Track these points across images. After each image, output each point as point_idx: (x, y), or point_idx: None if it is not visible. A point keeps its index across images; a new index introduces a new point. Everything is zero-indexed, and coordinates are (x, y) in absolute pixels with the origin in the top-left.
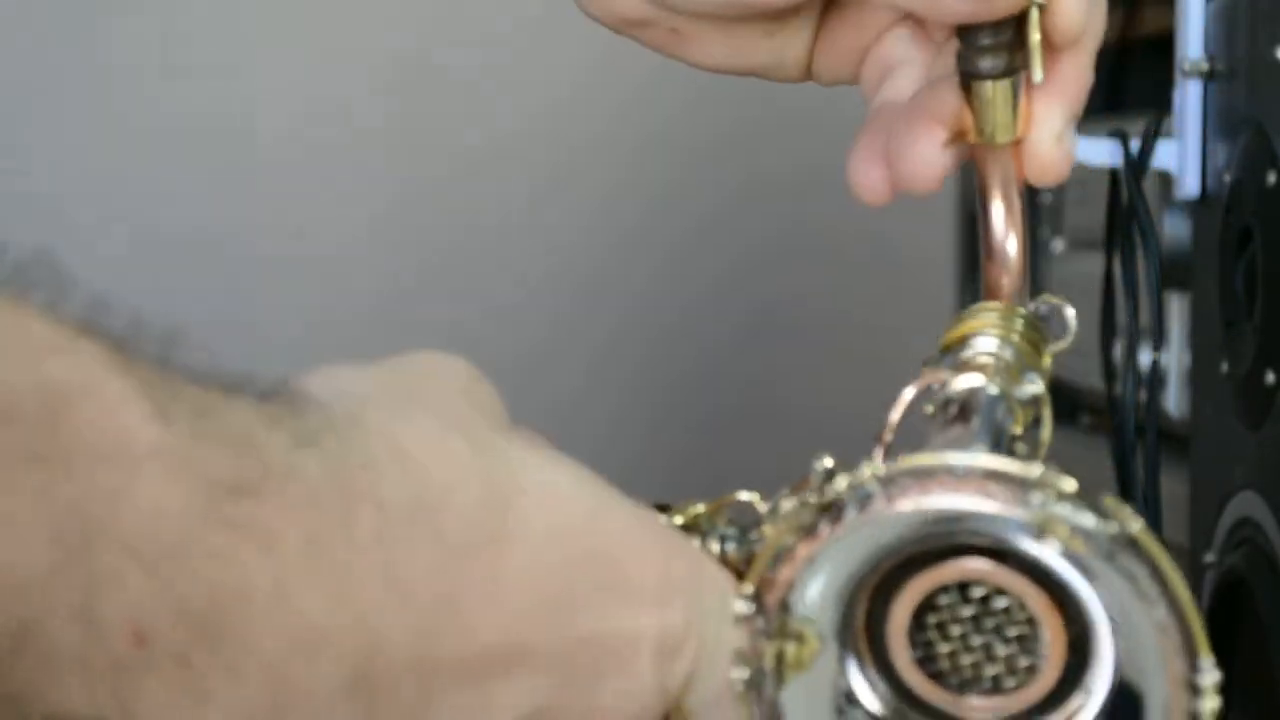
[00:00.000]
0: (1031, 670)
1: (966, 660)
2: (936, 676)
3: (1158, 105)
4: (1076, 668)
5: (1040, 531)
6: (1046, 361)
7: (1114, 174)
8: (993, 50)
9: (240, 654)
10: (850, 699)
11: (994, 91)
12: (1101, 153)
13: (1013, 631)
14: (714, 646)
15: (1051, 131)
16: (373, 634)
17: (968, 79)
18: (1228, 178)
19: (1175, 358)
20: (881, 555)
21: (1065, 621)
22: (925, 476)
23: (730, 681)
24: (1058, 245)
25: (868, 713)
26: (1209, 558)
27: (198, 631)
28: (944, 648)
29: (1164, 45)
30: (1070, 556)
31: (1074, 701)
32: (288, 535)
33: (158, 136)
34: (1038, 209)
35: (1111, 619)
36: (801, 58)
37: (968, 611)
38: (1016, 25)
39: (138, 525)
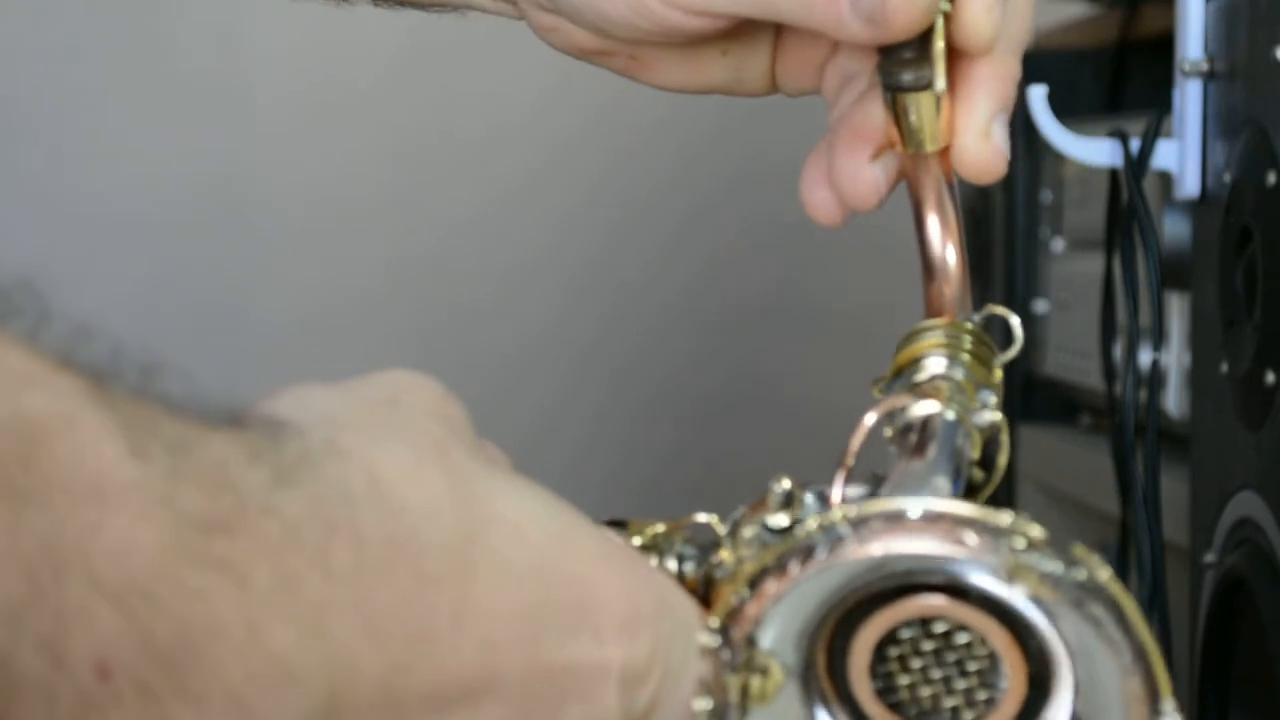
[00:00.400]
0: (990, 703)
1: (926, 692)
2: (896, 708)
3: (1158, 105)
4: (1035, 702)
5: (1010, 577)
6: (997, 376)
7: (1114, 174)
8: (909, 63)
9: (206, 688)
10: None
11: (915, 102)
12: (1101, 153)
13: (973, 666)
14: (677, 675)
15: (975, 131)
16: (343, 668)
17: (889, 92)
18: (1228, 178)
19: (1175, 358)
20: (847, 592)
21: (1025, 657)
22: (895, 520)
23: (693, 712)
24: (1058, 245)
25: None
26: (1209, 558)
27: (164, 666)
28: (904, 679)
29: (1164, 45)
30: (1036, 600)
31: None
32: (261, 573)
33: (151, 127)
34: (1038, 209)
35: (1071, 656)
36: (762, 73)
37: (929, 645)
38: (929, 37)
39: (109, 562)
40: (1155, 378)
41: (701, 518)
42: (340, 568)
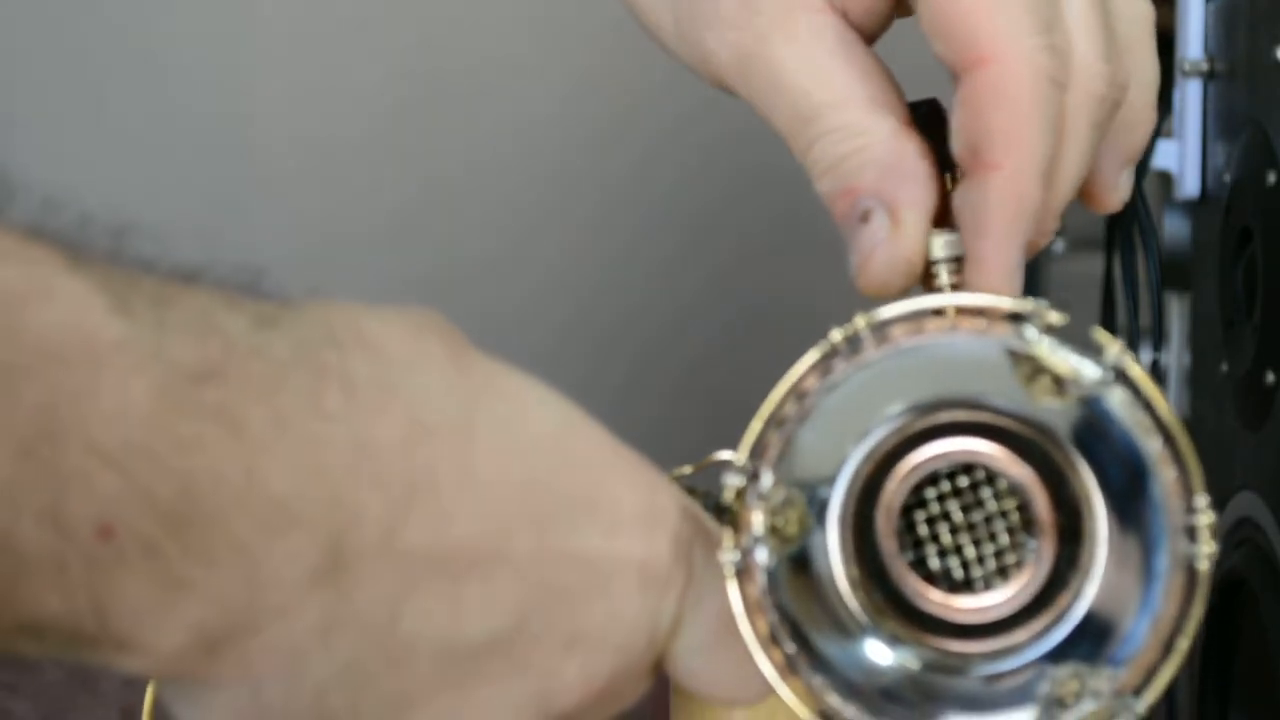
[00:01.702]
0: (1020, 566)
1: (954, 561)
2: (927, 579)
3: (1158, 105)
4: (1067, 565)
5: (1034, 369)
6: None
7: None
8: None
9: (210, 539)
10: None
11: None
12: None
13: (1001, 526)
14: (703, 587)
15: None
16: (344, 512)
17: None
18: (1228, 178)
19: (1175, 358)
20: (870, 428)
21: (1056, 506)
22: (915, 319)
23: (719, 628)
24: (1058, 245)
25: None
26: None
27: (167, 521)
28: (932, 549)
29: (1164, 45)
30: (1060, 412)
31: (1061, 600)
32: (254, 416)
33: (153, 134)
34: None
35: (1104, 491)
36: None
37: (957, 511)
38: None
39: (104, 424)
40: (1155, 378)
41: (724, 455)
42: (332, 407)
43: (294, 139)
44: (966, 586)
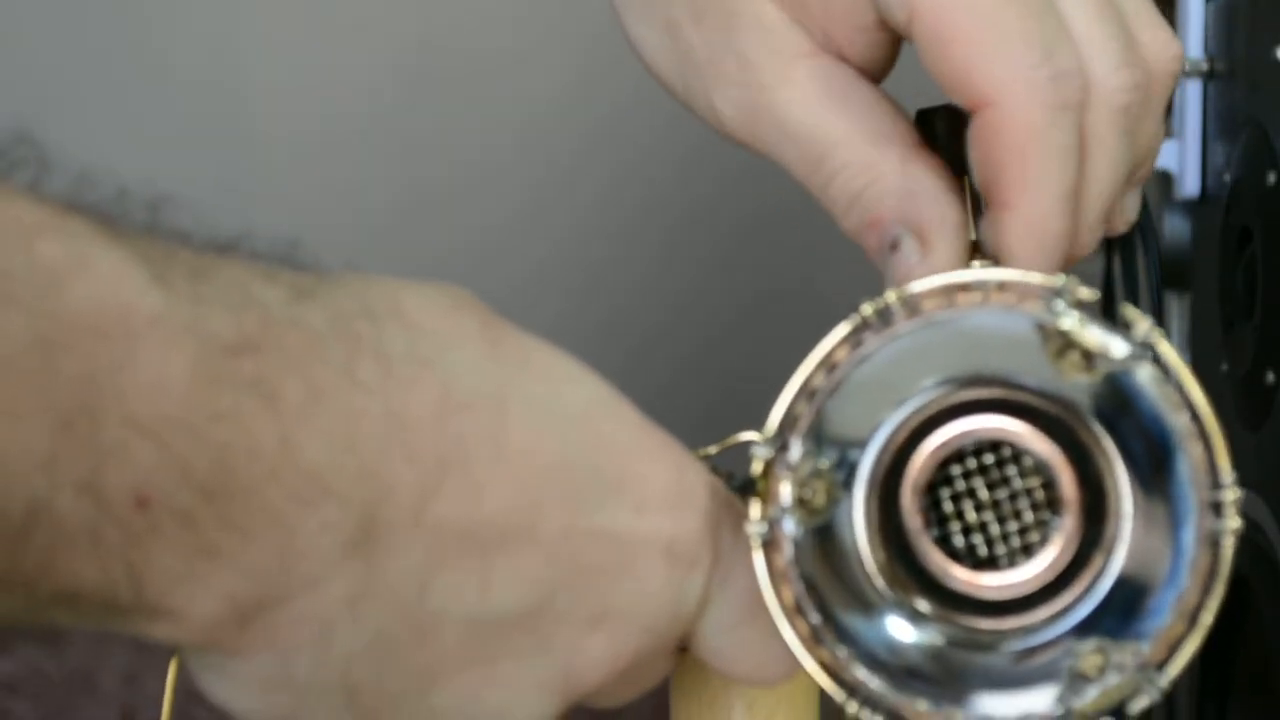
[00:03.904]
0: (1045, 542)
1: (978, 538)
2: (951, 556)
3: None
4: (1091, 540)
5: (1064, 344)
6: None
7: None
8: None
9: (245, 509)
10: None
11: None
12: None
13: (1026, 504)
14: (731, 566)
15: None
16: (377, 485)
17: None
18: (1228, 178)
19: None
20: (898, 402)
21: (1081, 484)
22: (947, 293)
23: (746, 606)
24: None
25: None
26: None
27: (202, 492)
28: (956, 525)
29: None
30: (1087, 389)
31: (1085, 576)
32: (290, 388)
33: (152, 130)
34: None
35: (1127, 462)
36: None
37: (983, 490)
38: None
39: (142, 397)
40: None
41: (746, 436)
42: (367, 379)
43: (292, 131)
44: (991, 564)
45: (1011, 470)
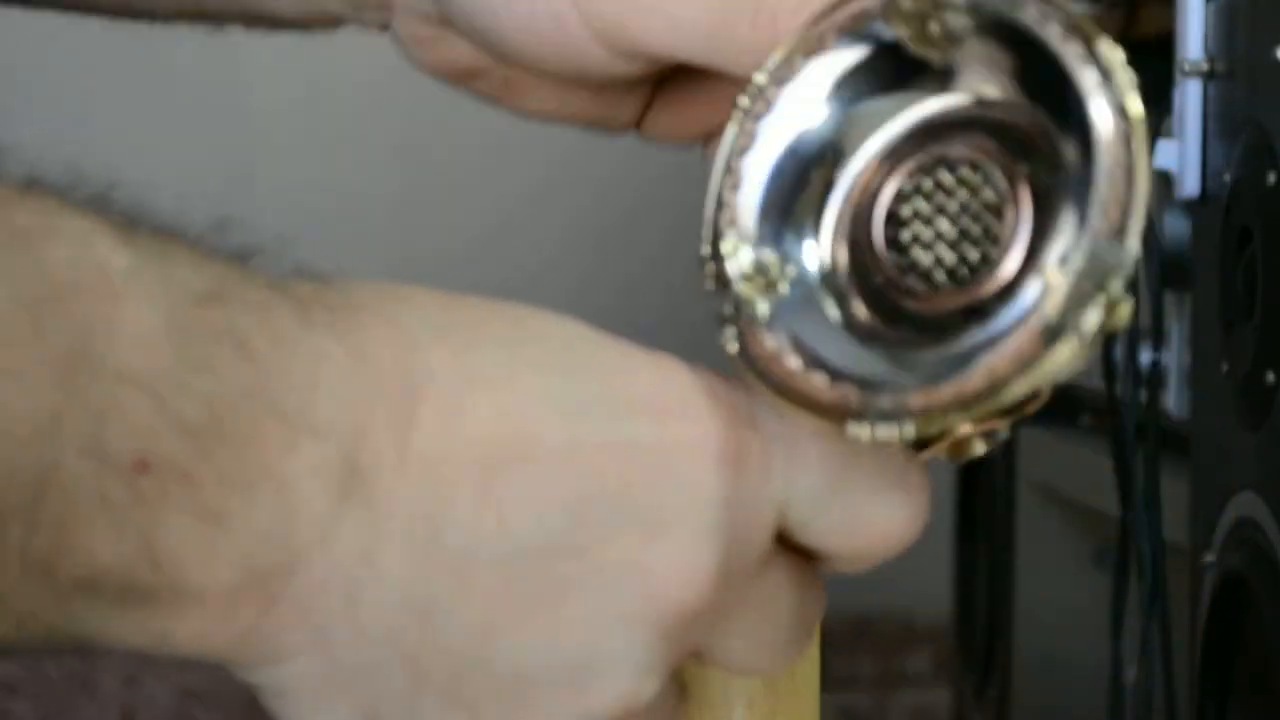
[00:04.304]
0: (998, 252)
1: (932, 255)
2: (927, 279)
3: (1158, 105)
4: (1041, 235)
5: (912, 18)
6: None
7: None
8: None
9: (238, 461)
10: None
11: None
12: None
13: (976, 206)
14: (792, 444)
15: None
16: (350, 418)
17: None
18: (1228, 178)
19: (1175, 358)
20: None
21: (1030, 183)
22: (806, 45)
23: (832, 467)
24: None
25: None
26: (1209, 558)
27: (197, 448)
28: (919, 248)
29: (1164, 45)
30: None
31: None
32: (256, 335)
33: (150, 124)
34: None
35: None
36: (631, 117)
37: (927, 209)
38: None
39: (131, 350)
40: (1155, 378)
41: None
42: (320, 323)
43: (291, 129)
44: (967, 272)
45: (948, 179)
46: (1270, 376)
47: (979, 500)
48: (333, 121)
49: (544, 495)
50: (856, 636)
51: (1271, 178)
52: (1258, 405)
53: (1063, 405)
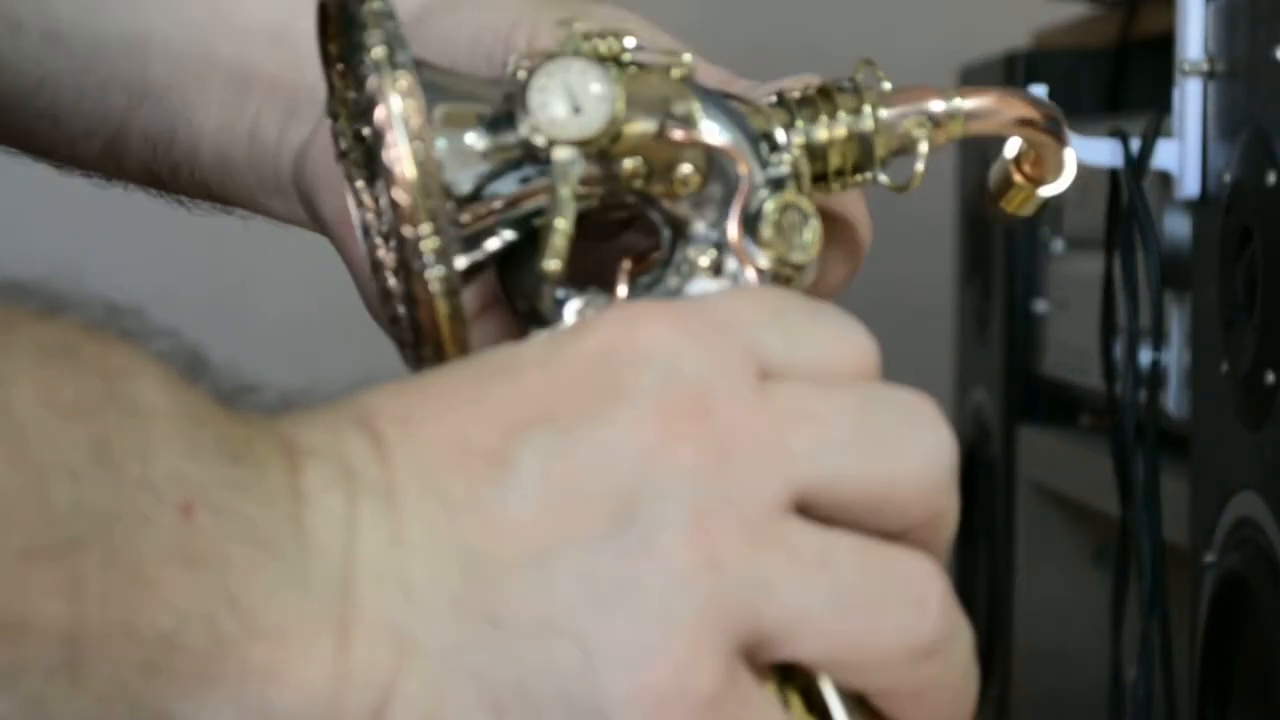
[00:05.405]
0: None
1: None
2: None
3: (1158, 105)
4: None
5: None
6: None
7: (1114, 174)
8: None
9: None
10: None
11: None
12: (1101, 153)
13: None
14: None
15: None
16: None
17: None
18: (1228, 178)
19: (1175, 358)
20: None
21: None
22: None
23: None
24: (1058, 245)
25: None
26: (1209, 558)
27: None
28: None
29: (1164, 45)
30: None
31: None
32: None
33: None
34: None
35: None
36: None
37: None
38: None
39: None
40: (1155, 378)
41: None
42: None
43: None
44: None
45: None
46: (1270, 376)
47: (979, 499)
48: None
49: (521, 410)
50: None
51: (1271, 178)
52: (1258, 405)
53: (1063, 405)
